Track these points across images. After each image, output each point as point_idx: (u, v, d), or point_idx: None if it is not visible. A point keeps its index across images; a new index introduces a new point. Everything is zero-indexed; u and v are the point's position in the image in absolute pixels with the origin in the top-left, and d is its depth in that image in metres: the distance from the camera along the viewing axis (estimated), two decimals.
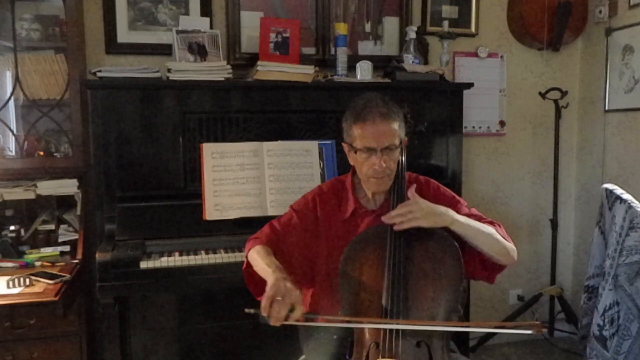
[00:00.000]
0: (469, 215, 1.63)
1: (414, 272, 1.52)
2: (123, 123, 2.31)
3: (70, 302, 2.10)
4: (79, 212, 2.41)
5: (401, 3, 2.92)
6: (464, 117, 2.72)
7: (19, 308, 1.98)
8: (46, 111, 2.37)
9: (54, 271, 2.16)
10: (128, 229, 2.21)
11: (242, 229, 2.26)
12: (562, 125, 3.19)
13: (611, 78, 3.03)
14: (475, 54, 3.10)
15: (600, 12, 3.02)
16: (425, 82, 2.64)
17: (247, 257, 1.65)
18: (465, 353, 2.50)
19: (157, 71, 2.37)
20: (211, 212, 2.25)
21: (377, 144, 1.55)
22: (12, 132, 2.38)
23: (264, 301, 1.38)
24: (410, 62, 2.69)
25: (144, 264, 2.06)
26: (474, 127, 3.13)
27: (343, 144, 1.67)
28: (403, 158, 1.70)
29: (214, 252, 2.16)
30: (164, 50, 2.55)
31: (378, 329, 1.46)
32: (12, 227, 2.37)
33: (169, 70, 2.35)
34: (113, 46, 2.60)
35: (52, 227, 2.42)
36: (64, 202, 2.48)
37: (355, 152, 1.59)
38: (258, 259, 1.58)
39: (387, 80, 2.66)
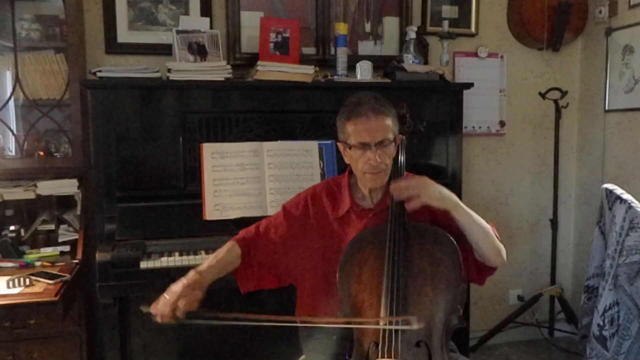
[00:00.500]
0: None
1: (414, 273, 1.52)
2: (123, 123, 2.31)
3: (70, 302, 2.10)
4: (79, 212, 2.41)
5: (401, 3, 2.92)
6: (464, 117, 2.72)
7: (19, 308, 1.97)
8: (46, 111, 2.37)
9: (54, 271, 2.16)
10: (128, 229, 2.21)
11: (242, 229, 2.25)
12: (562, 125, 3.19)
13: (611, 78, 3.03)
14: (475, 54, 3.10)
15: (600, 12, 3.02)
16: (425, 82, 2.64)
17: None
18: (465, 353, 2.50)
19: (157, 71, 2.38)
20: (211, 212, 2.25)
21: (371, 139, 1.56)
22: (12, 132, 2.38)
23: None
24: (410, 62, 2.69)
25: (144, 264, 2.06)
26: (474, 127, 3.13)
27: (337, 143, 1.69)
28: (403, 158, 1.70)
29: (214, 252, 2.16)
30: (164, 50, 2.56)
31: (377, 329, 1.47)
32: (12, 227, 2.37)
33: (169, 70, 2.35)
34: (113, 46, 2.60)
35: (52, 227, 2.42)
36: (64, 202, 2.48)
37: (350, 149, 1.61)
38: (211, 256, 1.68)
39: (387, 80, 2.65)
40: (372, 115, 1.57)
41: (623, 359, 2.00)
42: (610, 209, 2.06)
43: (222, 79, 2.40)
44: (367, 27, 2.93)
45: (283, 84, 2.46)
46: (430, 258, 1.53)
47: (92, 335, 2.36)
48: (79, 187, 2.39)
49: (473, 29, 3.08)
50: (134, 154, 2.33)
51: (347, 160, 1.67)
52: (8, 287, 2.00)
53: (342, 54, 2.65)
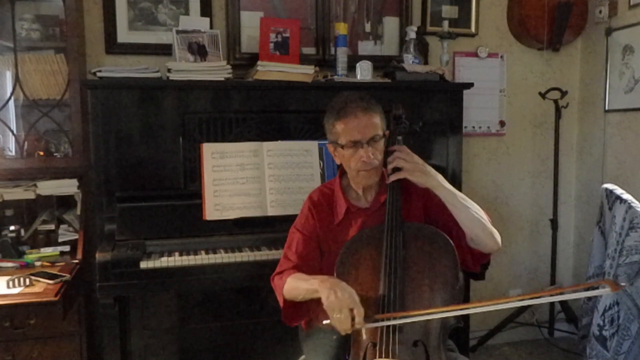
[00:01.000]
0: None
1: (411, 273, 1.52)
2: (123, 123, 2.31)
3: (70, 302, 2.10)
4: (79, 212, 2.41)
5: (401, 3, 2.92)
6: (464, 117, 2.72)
7: (19, 308, 1.97)
8: (46, 111, 2.37)
9: (54, 271, 2.16)
10: (128, 229, 2.21)
11: (242, 229, 2.26)
12: (562, 125, 3.19)
13: (611, 78, 3.03)
14: (475, 54, 3.10)
15: (600, 12, 3.02)
16: (425, 82, 2.63)
17: (282, 293, 1.64)
18: (465, 353, 2.50)
19: (157, 71, 2.37)
20: (211, 212, 2.25)
21: (362, 136, 1.58)
22: (12, 132, 2.38)
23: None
24: (410, 62, 2.69)
25: (144, 264, 2.06)
26: (474, 127, 3.13)
27: (327, 144, 1.70)
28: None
29: (214, 252, 2.16)
30: (164, 50, 2.55)
31: (374, 329, 1.47)
32: (12, 227, 2.37)
33: (169, 70, 2.35)
34: (113, 46, 2.60)
35: (52, 227, 2.42)
36: (64, 202, 2.48)
37: (342, 148, 1.62)
38: (299, 282, 1.59)
39: (387, 80, 2.65)
40: (361, 114, 1.59)
41: (623, 359, 2.00)
42: (610, 209, 2.07)
43: (222, 79, 2.40)
44: (367, 27, 2.93)
45: (283, 84, 2.46)
46: (427, 257, 1.55)
47: (92, 335, 2.36)
48: (78, 187, 2.39)
49: (473, 29, 3.08)
50: (134, 154, 2.33)
51: (337, 161, 1.69)
52: (8, 287, 2.01)
53: (342, 54, 2.65)
